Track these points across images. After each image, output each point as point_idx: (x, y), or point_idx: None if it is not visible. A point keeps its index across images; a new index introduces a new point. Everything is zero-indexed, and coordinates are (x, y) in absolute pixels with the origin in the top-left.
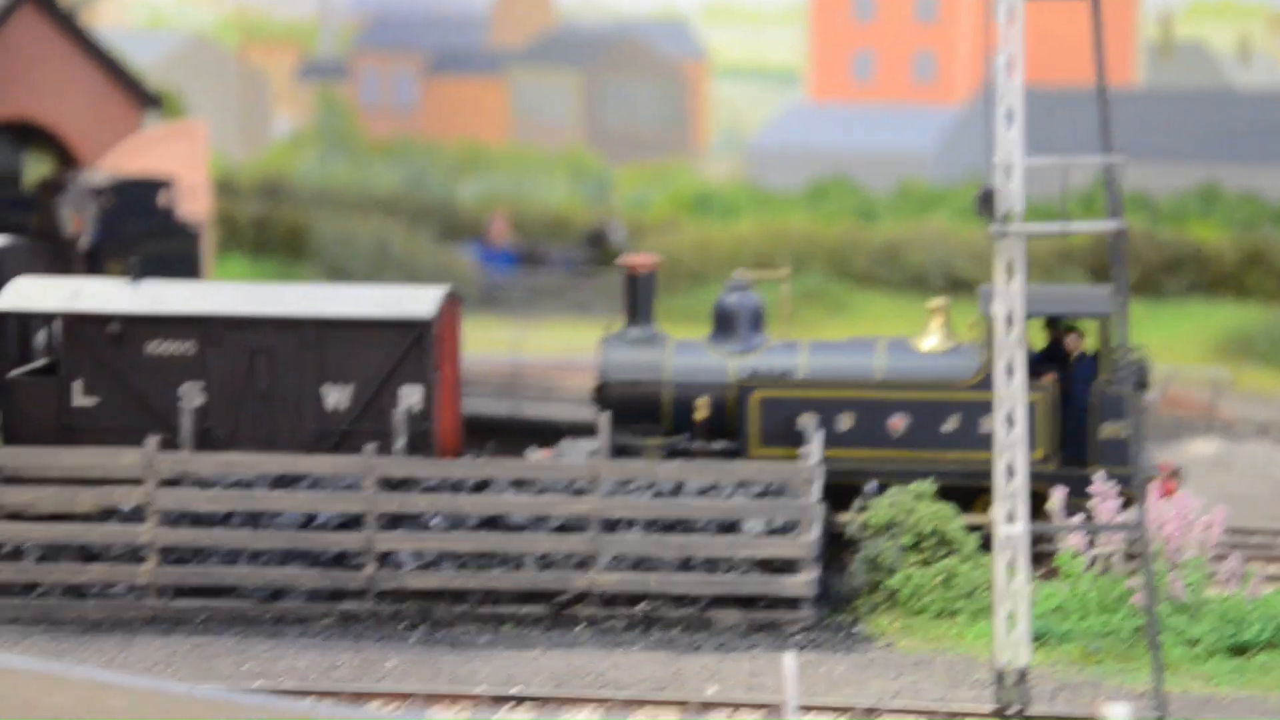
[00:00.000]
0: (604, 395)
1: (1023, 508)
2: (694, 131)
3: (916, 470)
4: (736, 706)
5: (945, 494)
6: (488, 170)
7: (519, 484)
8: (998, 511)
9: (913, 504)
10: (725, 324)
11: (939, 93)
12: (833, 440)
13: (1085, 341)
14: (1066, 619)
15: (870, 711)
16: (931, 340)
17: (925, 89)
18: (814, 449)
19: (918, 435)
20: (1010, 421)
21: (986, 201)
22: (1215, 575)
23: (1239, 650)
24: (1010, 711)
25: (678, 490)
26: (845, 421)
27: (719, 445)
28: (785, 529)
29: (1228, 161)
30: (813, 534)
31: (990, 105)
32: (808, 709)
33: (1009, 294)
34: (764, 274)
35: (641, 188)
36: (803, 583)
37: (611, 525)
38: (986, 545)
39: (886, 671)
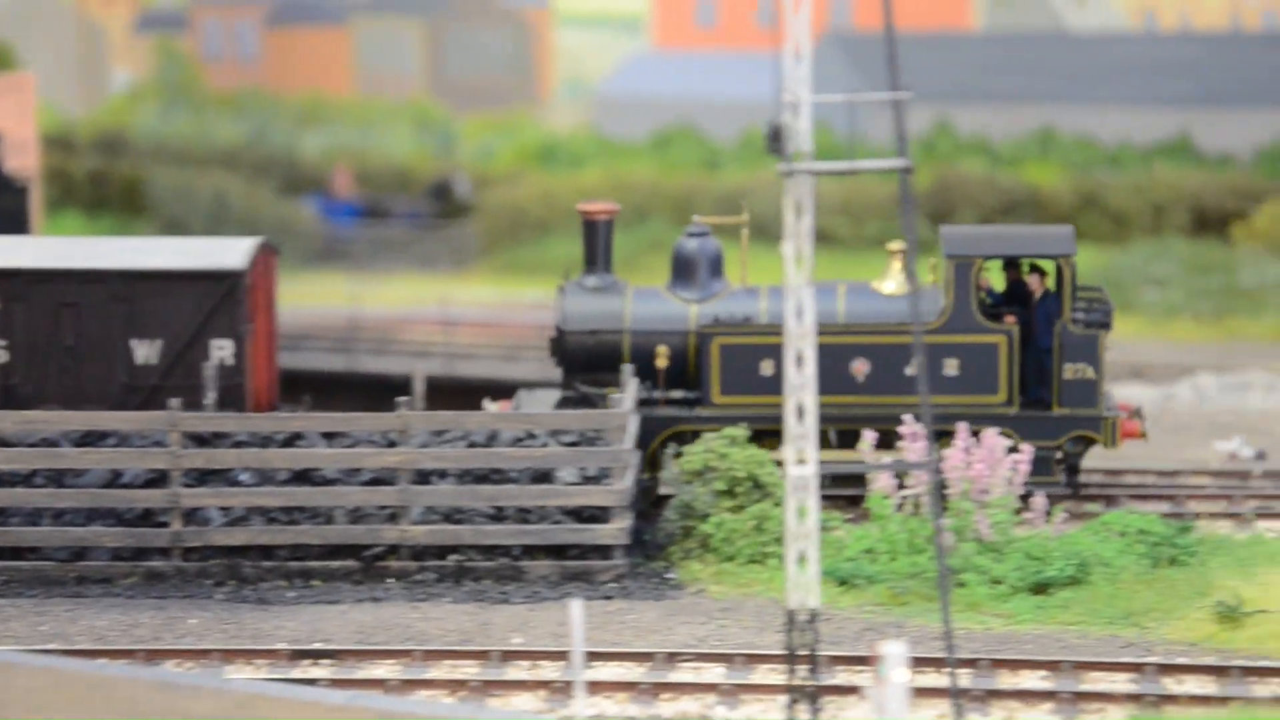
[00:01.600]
0: (562, 345)
1: (812, 449)
2: (539, 81)
3: (879, 415)
4: (536, 656)
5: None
6: (331, 122)
7: (330, 437)
8: (788, 453)
9: (726, 449)
10: (685, 270)
11: (782, 39)
12: None
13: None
14: (876, 561)
15: (672, 658)
16: (892, 283)
17: (768, 35)
18: (628, 395)
19: (880, 380)
20: (800, 361)
21: (775, 139)
22: (1022, 515)
23: (1042, 588)
24: (800, 653)
25: (492, 440)
26: None
27: (678, 395)
28: (599, 477)
29: (1064, 104)
30: (625, 481)
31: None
32: (611, 657)
33: (798, 233)
34: (721, 219)
35: (487, 139)
36: (614, 530)
37: (424, 477)
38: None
39: (696, 617)
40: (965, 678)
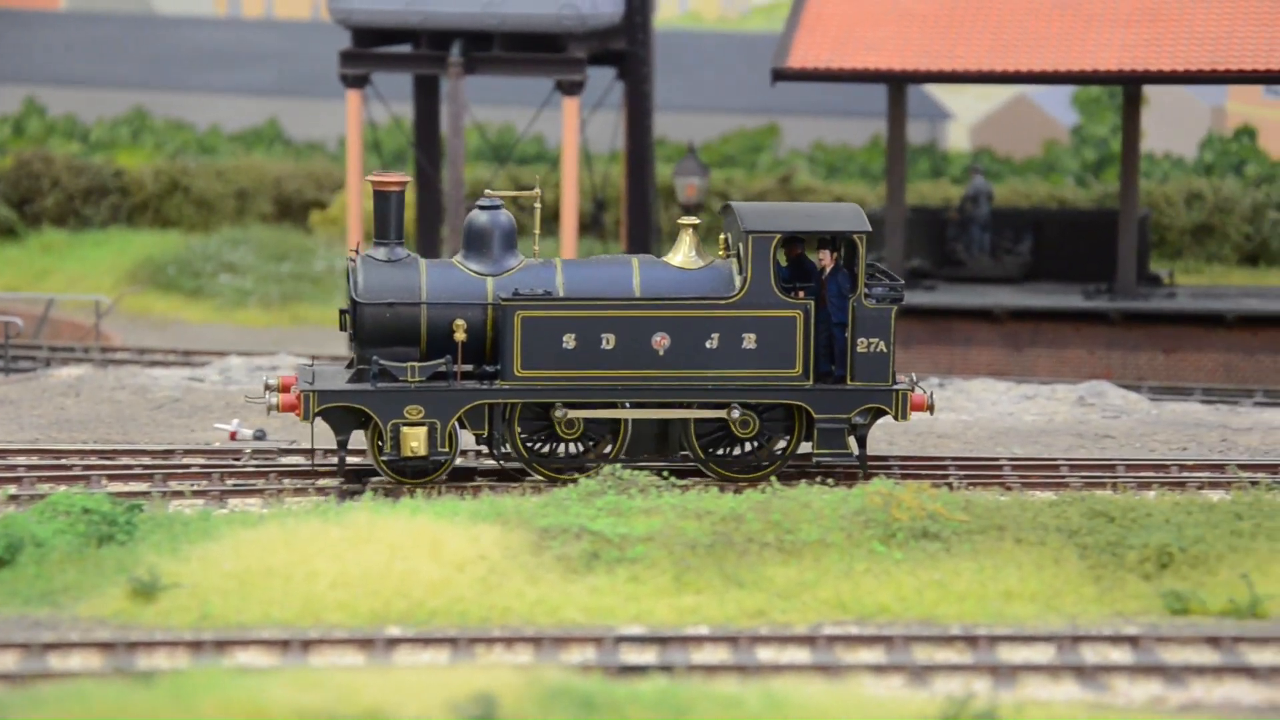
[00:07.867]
0: (357, 318)
1: None
2: None
3: (680, 387)
4: None
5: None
6: None
7: None
8: None
9: None
10: (478, 243)
11: None
12: (597, 360)
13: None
14: None
15: None
16: (683, 256)
17: None
18: None
19: (681, 353)
20: None
21: None
22: None
23: None
24: None
25: None
26: (608, 341)
27: (472, 369)
28: None
29: (157, 89)
30: None
31: None
32: None
33: None
34: (514, 193)
35: None
36: None
37: None
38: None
39: None
40: None
